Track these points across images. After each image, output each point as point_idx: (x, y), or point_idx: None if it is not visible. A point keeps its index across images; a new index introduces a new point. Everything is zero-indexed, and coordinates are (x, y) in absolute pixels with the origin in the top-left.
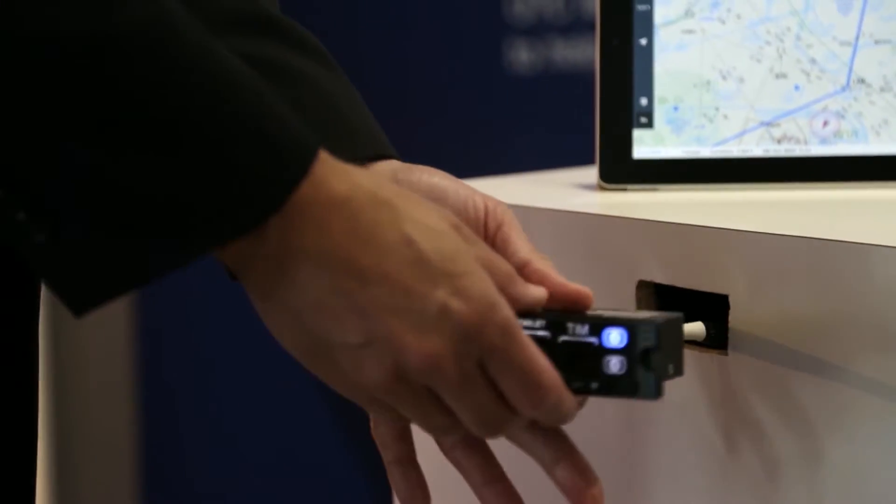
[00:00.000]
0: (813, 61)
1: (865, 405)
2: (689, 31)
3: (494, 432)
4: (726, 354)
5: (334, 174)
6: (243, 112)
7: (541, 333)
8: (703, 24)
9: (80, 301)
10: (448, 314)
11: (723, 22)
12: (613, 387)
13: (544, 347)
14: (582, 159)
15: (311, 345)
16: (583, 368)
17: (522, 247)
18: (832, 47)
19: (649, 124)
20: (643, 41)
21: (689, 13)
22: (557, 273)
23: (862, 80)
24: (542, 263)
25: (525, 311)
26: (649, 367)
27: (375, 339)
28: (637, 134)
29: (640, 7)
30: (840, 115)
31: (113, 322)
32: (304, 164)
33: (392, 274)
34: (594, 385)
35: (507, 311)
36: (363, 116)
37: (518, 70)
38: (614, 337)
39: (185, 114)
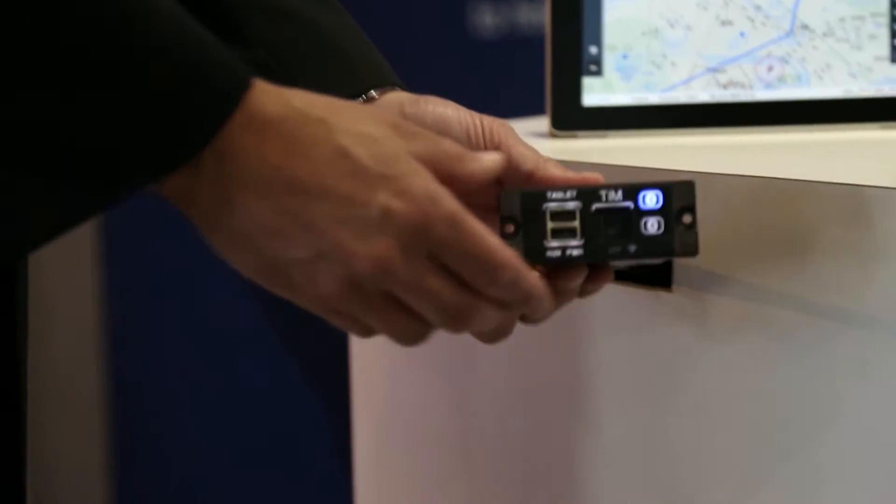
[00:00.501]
0: (758, 8)
1: (803, 331)
2: None
3: (462, 323)
4: (671, 291)
5: (266, 99)
6: (171, 46)
7: (571, 206)
8: None
9: (25, 237)
10: (390, 216)
11: None
12: (652, 247)
13: (577, 217)
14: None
15: (265, 266)
16: (620, 232)
17: (525, 160)
18: None
19: (599, 72)
20: None
21: None
22: (563, 169)
23: (805, 26)
24: (545, 169)
25: (555, 187)
26: (686, 226)
27: (324, 251)
28: (587, 81)
29: None
30: (784, 61)
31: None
32: (234, 96)
33: (332, 186)
34: (632, 248)
35: (449, 203)
36: (365, 50)
37: (483, 34)
38: (650, 199)
39: (112, 48)
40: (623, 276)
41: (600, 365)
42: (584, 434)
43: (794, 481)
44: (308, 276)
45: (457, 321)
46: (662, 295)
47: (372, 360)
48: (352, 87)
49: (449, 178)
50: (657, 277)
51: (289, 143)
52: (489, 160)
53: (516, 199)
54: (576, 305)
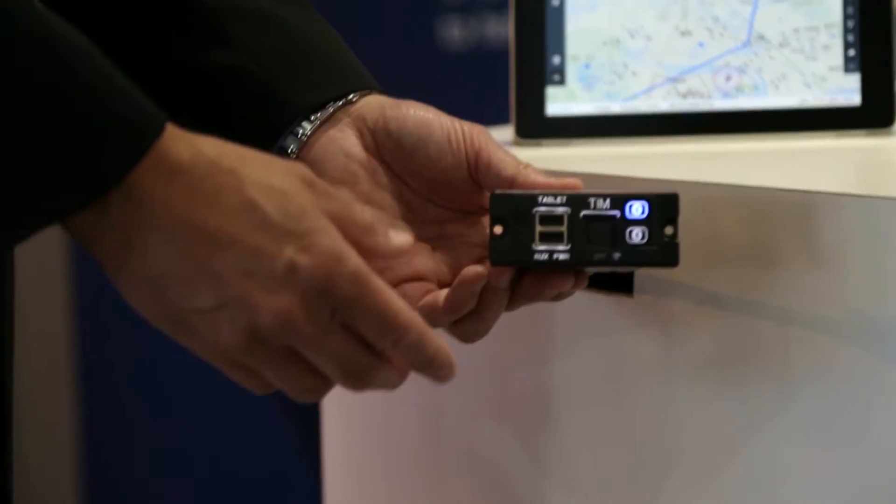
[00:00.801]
0: (716, 19)
1: (758, 333)
2: None
3: (362, 382)
4: (632, 297)
5: (177, 145)
6: (81, 87)
7: (560, 211)
8: None
9: None
10: (295, 271)
11: None
12: (635, 256)
13: (565, 223)
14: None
15: (168, 313)
16: (606, 240)
17: (506, 166)
18: (734, 5)
19: (562, 81)
20: (555, 2)
21: None
22: (545, 175)
23: (762, 37)
24: (526, 175)
25: (545, 192)
26: (668, 237)
27: (228, 301)
28: (550, 91)
29: None
30: (741, 70)
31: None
32: (144, 140)
33: (239, 237)
34: (616, 255)
35: (354, 262)
36: (345, 55)
37: (451, 46)
38: (636, 209)
39: (20, 87)
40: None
41: (564, 368)
42: (550, 437)
43: (754, 475)
44: (210, 326)
45: (357, 379)
46: (624, 300)
47: None
48: (333, 90)
49: (354, 243)
50: (619, 283)
51: (198, 192)
52: (396, 242)
53: (508, 202)
54: (540, 309)
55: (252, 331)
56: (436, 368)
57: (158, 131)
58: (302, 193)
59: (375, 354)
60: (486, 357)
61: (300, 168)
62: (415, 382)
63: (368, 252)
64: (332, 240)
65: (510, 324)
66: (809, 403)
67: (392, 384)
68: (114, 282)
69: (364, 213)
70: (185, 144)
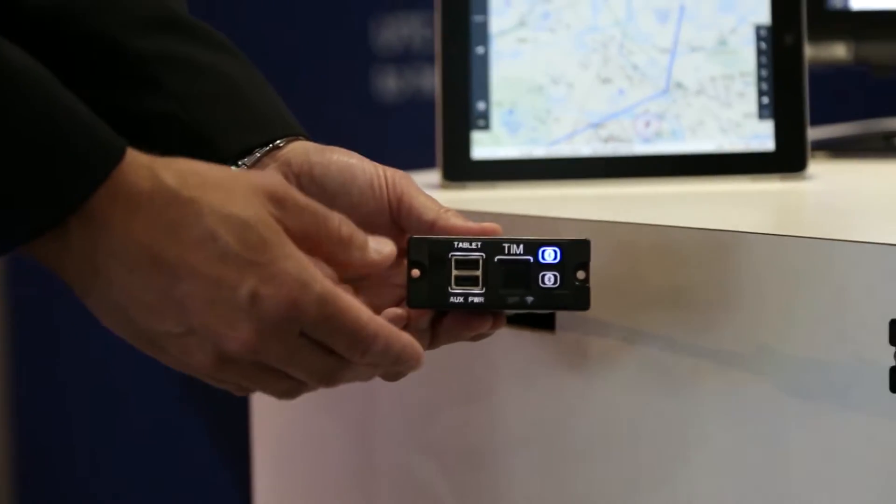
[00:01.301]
0: (635, 67)
1: (673, 368)
2: (523, 40)
3: (335, 383)
4: (554, 333)
5: (137, 174)
6: (39, 114)
7: (475, 255)
8: (536, 33)
9: None
10: (259, 301)
11: (553, 31)
12: (548, 299)
13: (480, 267)
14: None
15: (138, 334)
16: (519, 283)
17: (426, 211)
18: (652, 54)
19: (487, 126)
20: (480, 50)
21: (522, 23)
22: (465, 220)
23: (679, 85)
24: (445, 219)
25: (461, 237)
26: (580, 281)
27: (194, 328)
28: (475, 136)
29: (477, 18)
30: (660, 117)
31: None
32: (102, 168)
33: (199, 269)
34: (529, 299)
35: (319, 286)
36: (273, 102)
37: (386, 97)
38: (549, 254)
39: None
40: (510, 320)
41: (489, 403)
42: (476, 472)
43: (671, 500)
44: (180, 348)
45: (329, 382)
46: (547, 336)
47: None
48: (260, 136)
49: (329, 258)
50: (542, 320)
51: (157, 222)
52: (374, 256)
53: (424, 246)
54: (465, 345)
55: (221, 355)
56: (403, 364)
57: (116, 160)
58: (263, 221)
59: (344, 360)
60: (414, 392)
61: (269, 184)
62: (343, 419)
63: (345, 266)
64: (296, 266)
65: (436, 360)
66: (723, 436)
67: (364, 378)
68: (84, 303)
69: (341, 226)
70: (145, 172)
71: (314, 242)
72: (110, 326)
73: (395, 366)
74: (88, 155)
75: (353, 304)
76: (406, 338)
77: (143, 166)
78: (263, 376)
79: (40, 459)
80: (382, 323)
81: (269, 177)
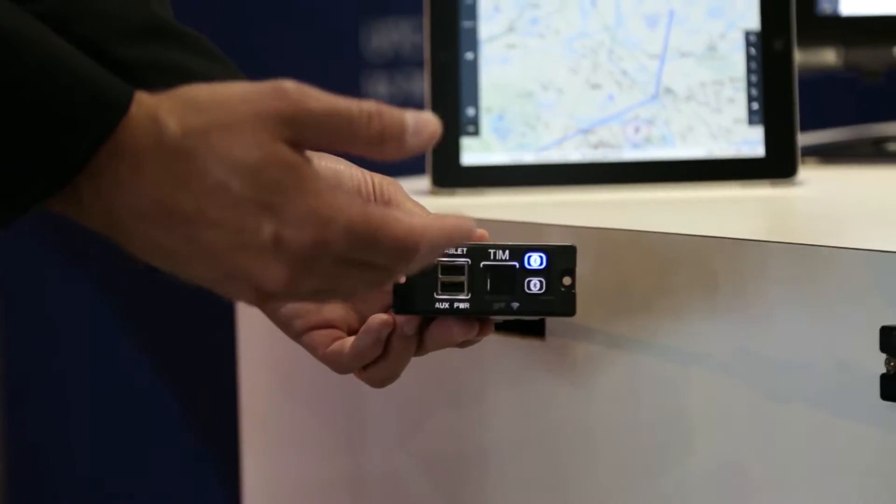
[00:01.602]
0: (625, 73)
1: (661, 373)
2: (512, 46)
3: (388, 284)
4: (544, 340)
5: (140, 128)
6: (37, 76)
7: (461, 261)
8: (525, 39)
9: None
10: (283, 244)
11: (542, 37)
12: (534, 305)
13: (466, 273)
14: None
15: (182, 276)
16: (505, 289)
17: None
18: (642, 60)
19: (476, 132)
20: (469, 55)
21: (511, 29)
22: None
23: (669, 90)
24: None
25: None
26: (566, 287)
27: (229, 274)
28: (465, 142)
29: (466, 23)
30: (650, 122)
31: None
32: (102, 128)
33: (217, 218)
34: (515, 305)
35: (344, 218)
36: None
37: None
38: (535, 260)
39: None
40: (500, 326)
41: (479, 410)
42: (466, 480)
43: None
44: (222, 289)
45: (383, 285)
46: (536, 343)
47: (260, 405)
48: None
49: (364, 152)
50: (531, 327)
51: (166, 176)
52: (414, 141)
53: None
54: (455, 352)
55: (262, 294)
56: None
57: (118, 117)
58: (274, 160)
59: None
60: (403, 397)
61: (276, 107)
62: (332, 428)
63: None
64: (315, 203)
65: (423, 366)
66: (712, 443)
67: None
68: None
69: (370, 123)
70: (148, 124)
71: (346, 144)
72: (159, 267)
73: (433, 254)
74: (88, 114)
75: (388, 219)
76: (448, 221)
77: (146, 116)
78: (311, 294)
79: (29, 454)
80: (424, 225)
81: (276, 95)
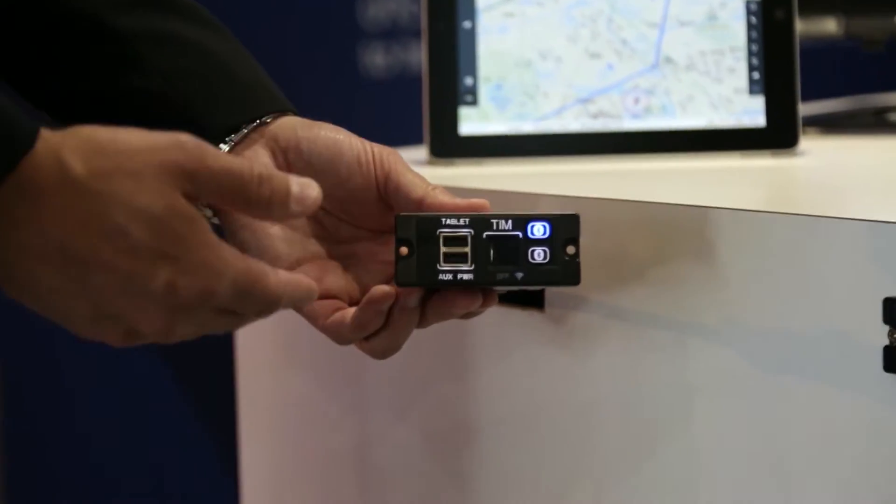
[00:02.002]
0: (624, 42)
1: (661, 343)
2: (510, 15)
3: (240, 327)
4: (543, 311)
5: (44, 166)
6: None
7: (463, 232)
8: (523, 7)
9: None
10: (174, 291)
11: (541, 5)
12: (538, 275)
13: (469, 244)
14: None
15: (55, 317)
16: (509, 259)
17: (414, 188)
18: (641, 29)
19: (474, 102)
20: (467, 24)
21: None
22: (451, 196)
23: (669, 60)
24: (434, 197)
25: (449, 214)
26: (569, 256)
27: (109, 315)
28: (463, 111)
29: None
30: (650, 92)
31: None
32: (10, 159)
33: (111, 262)
34: (519, 275)
35: (232, 272)
36: (259, 78)
37: (374, 73)
38: (538, 229)
39: None
40: (500, 297)
41: (478, 381)
42: (466, 449)
43: (661, 477)
44: (94, 330)
45: (232, 328)
46: (535, 314)
47: (260, 376)
48: (247, 112)
49: (252, 205)
50: (530, 298)
51: (66, 216)
52: (297, 208)
53: (412, 224)
54: (454, 323)
55: (136, 336)
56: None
57: (21, 153)
58: (175, 212)
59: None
60: (403, 368)
61: (179, 159)
62: (334, 399)
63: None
64: (209, 255)
65: (424, 338)
66: (711, 415)
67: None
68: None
69: (261, 187)
70: (53, 162)
71: (237, 204)
72: (28, 305)
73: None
74: None
75: (262, 274)
76: (304, 284)
77: (51, 154)
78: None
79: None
80: (287, 281)
81: (177, 148)
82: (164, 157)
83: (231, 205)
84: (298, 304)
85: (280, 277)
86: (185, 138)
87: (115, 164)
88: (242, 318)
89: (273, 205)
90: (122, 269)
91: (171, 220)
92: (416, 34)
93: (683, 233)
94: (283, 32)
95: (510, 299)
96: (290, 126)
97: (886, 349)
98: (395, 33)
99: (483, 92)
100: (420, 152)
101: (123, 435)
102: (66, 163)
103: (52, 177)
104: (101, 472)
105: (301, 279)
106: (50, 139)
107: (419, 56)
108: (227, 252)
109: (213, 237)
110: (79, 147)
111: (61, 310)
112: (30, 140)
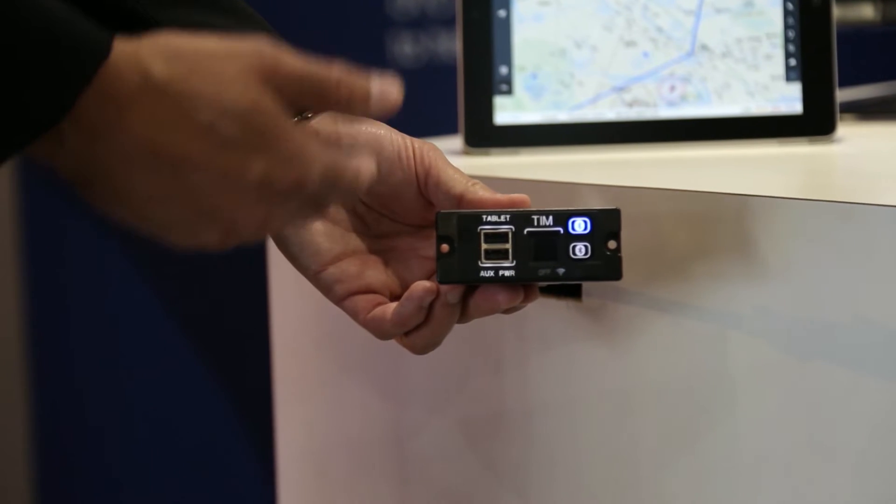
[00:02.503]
0: (660, 29)
1: (706, 335)
2: (545, 3)
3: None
4: (580, 301)
5: (124, 71)
6: (14, 20)
7: (504, 228)
8: None
9: None
10: (270, 183)
11: None
12: (579, 270)
13: (510, 240)
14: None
15: (153, 228)
16: (550, 255)
17: (454, 183)
18: (677, 16)
19: (509, 91)
20: (502, 13)
21: None
22: (491, 192)
23: (705, 47)
24: (474, 192)
25: (489, 210)
26: (611, 251)
27: (205, 214)
28: (498, 101)
29: None
30: (686, 80)
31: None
32: (84, 73)
33: (204, 159)
34: (561, 270)
35: (321, 160)
36: None
37: (402, 62)
38: (579, 224)
39: None
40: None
41: (518, 373)
42: (506, 442)
43: (706, 468)
44: (190, 233)
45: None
46: (572, 305)
47: (295, 368)
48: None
49: (334, 104)
50: (568, 289)
51: (152, 117)
52: (378, 108)
53: (453, 221)
54: (493, 315)
55: (231, 233)
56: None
57: (99, 61)
58: (259, 108)
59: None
60: (440, 359)
61: (259, 63)
62: (372, 390)
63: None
64: (296, 143)
65: (461, 327)
66: (751, 403)
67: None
68: (83, 196)
69: (339, 89)
70: (132, 66)
71: (317, 104)
72: (113, 215)
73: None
74: (69, 58)
75: (346, 163)
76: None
77: (129, 59)
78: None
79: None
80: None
81: (258, 53)
82: (244, 60)
83: (313, 105)
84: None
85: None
86: (263, 44)
87: (196, 66)
88: (324, 206)
89: (354, 104)
90: (215, 166)
91: (258, 116)
92: (445, 23)
93: (721, 221)
94: (311, 22)
95: (548, 290)
96: (332, 120)
97: None
98: (423, 22)
99: (518, 81)
100: (453, 142)
101: (160, 421)
102: (147, 67)
103: (134, 82)
104: (137, 456)
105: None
106: (127, 47)
107: (448, 45)
108: (315, 143)
109: (300, 132)
110: (158, 52)
111: (159, 217)
112: (105, 49)
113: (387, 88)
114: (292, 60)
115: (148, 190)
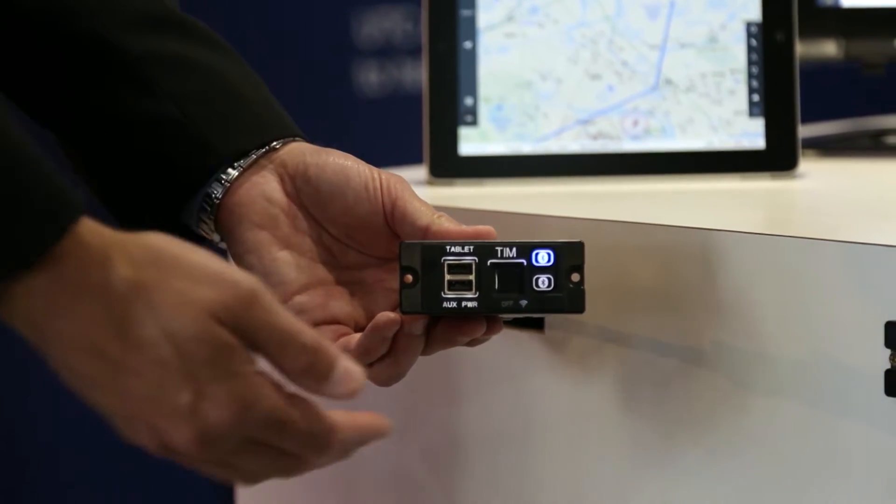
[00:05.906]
0: (625, 63)
1: (665, 372)
2: (511, 35)
3: (300, 473)
4: (543, 333)
5: (87, 262)
6: None
7: (468, 260)
8: (524, 28)
9: None
10: (199, 414)
11: (542, 26)
12: (542, 303)
13: (473, 271)
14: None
15: (102, 412)
16: (513, 287)
17: (420, 216)
18: (642, 50)
19: (475, 122)
20: (468, 44)
21: (510, 18)
22: (457, 224)
23: (669, 81)
24: (439, 224)
25: (453, 241)
26: (574, 284)
27: (137, 419)
28: (463, 131)
29: (465, 12)
30: (649, 114)
31: None
32: (40, 253)
33: (143, 370)
34: (524, 302)
35: (262, 408)
36: (270, 103)
37: (368, 91)
38: (542, 257)
39: None
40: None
41: (477, 403)
42: (463, 472)
43: (658, 499)
44: (129, 429)
45: (292, 474)
46: (535, 336)
47: None
48: (257, 138)
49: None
50: (531, 321)
51: (102, 316)
52: (339, 389)
53: (416, 251)
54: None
55: (167, 447)
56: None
57: (59, 234)
58: (207, 336)
59: (299, 456)
60: (402, 389)
61: (225, 294)
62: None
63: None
64: (238, 387)
65: (425, 358)
66: (712, 438)
67: (331, 459)
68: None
69: (306, 336)
70: (97, 259)
71: (272, 359)
72: (80, 395)
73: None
74: (26, 235)
75: (305, 411)
76: (363, 420)
77: (96, 251)
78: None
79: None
80: (337, 419)
81: (234, 286)
82: (216, 290)
83: (269, 358)
84: (362, 442)
85: (335, 417)
86: (243, 279)
87: (161, 278)
88: (291, 457)
89: (309, 375)
90: (150, 378)
91: (203, 346)
92: (411, 52)
93: (684, 255)
94: (277, 51)
95: (511, 321)
96: (299, 152)
97: (888, 373)
98: (389, 52)
99: (483, 112)
100: (417, 172)
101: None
102: (111, 264)
103: (93, 276)
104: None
105: (362, 417)
106: (96, 234)
107: (413, 75)
108: (266, 386)
109: (250, 368)
110: (128, 252)
111: (102, 405)
112: (65, 227)
113: (350, 377)
114: (268, 306)
115: (91, 378)
